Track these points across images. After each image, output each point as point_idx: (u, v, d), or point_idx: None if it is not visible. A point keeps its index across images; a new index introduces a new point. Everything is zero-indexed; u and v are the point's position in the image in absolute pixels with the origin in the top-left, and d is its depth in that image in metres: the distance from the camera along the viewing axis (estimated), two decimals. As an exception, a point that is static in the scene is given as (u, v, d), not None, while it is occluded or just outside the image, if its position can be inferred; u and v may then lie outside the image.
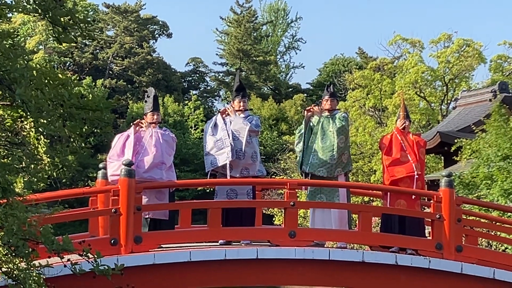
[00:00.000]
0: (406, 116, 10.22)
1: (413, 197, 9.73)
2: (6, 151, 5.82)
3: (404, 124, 10.06)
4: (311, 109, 10.10)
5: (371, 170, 26.93)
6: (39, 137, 5.71)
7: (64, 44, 5.61)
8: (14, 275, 5.73)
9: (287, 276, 9.17)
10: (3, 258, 5.61)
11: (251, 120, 9.93)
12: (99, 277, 6.05)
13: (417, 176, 9.68)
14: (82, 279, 6.20)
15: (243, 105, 10.05)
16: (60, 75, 5.49)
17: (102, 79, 47.86)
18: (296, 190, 9.60)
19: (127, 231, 8.50)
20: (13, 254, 5.60)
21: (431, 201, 9.61)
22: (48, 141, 5.84)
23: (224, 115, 9.89)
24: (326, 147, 9.73)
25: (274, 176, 28.37)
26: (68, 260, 5.89)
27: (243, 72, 52.33)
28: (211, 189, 22.03)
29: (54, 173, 5.81)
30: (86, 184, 34.38)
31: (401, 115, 10.19)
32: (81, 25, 5.31)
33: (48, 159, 5.73)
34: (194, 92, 55.42)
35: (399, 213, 9.66)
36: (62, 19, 5.25)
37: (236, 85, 10.34)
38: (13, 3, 5.47)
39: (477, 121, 21.54)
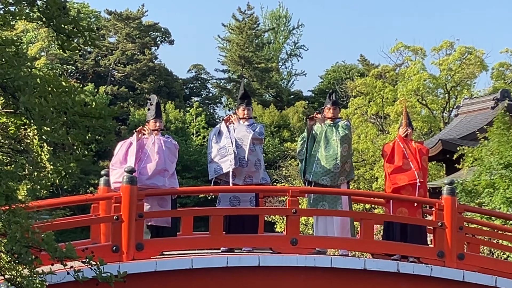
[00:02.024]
0: (408, 123, 10.22)
1: (415, 205, 9.73)
2: (9, 159, 5.82)
3: (406, 132, 10.06)
4: (314, 117, 10.11)
5: (373, 177, 26.90)
6: (42, 145, 5.72)
7: (67, 52, 5.62)
8: (17, 282, 5.73)
9: (288, 283, 9.15)
10: (6, 265, 5.61)
11: (255, 128, 9.94)
12: (101, 284, 6.05)
13: (419, 184, 9.67)
14: (84, 286, 6.21)
15: (248, 113, 10.08)
16: (63, 83, 5.50)
17: (104, 86, 47.90)
18: (298, 198, 9.61)
19: (129, 238, 8.50)
20: (16, 261, 5.60)
21: (433, 209, 9.61)
22: (51, 148, 5.85)
23: (228, 123, 9.91)
24: (329, 156, 9.72)
25: (275, 184, 28.33)
26: (71, 267, 5.89)
27: (245, 79, 52.35)
28: (213, 196, 22.01)
29: (57, 181, 5.81)
30: (87, 191, 34.32)
31: (403, 123, 10.19)
32: (85, 33, 5.33)
33: (51, 167, 5.73)
34: (195, 99, 55.43)
35: (401, 221, 9.66)
36: (66, 27, 5.27)
37: (241, 93, 10.39)
38: (17, 10, 5.48)
39: (479, 129, 21.51)
